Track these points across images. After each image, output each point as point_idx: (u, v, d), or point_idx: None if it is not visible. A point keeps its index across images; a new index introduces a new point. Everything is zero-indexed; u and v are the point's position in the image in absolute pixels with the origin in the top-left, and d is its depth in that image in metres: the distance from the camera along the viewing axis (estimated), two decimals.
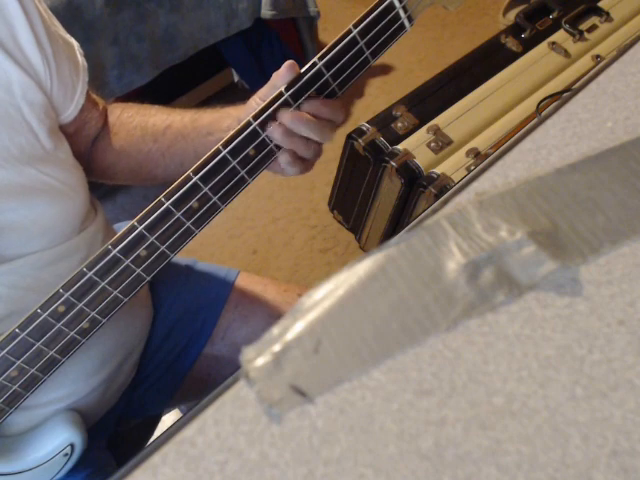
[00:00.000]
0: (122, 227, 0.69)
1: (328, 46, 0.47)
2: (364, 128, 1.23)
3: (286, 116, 0.48)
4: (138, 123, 0.63)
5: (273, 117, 0.48)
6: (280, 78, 0.49)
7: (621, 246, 0.40)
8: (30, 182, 0.50)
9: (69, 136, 0.58)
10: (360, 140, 1.22)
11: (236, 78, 1.75)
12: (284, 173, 0.54)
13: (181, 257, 0.53)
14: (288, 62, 0.49)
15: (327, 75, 0.47)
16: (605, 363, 0.36)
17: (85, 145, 0.64)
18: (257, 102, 0.54)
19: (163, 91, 1.54)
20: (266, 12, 1.41)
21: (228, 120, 0.56)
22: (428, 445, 0.33)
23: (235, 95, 1.74)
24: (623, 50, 0.52)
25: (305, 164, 0.53)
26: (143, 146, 0.62)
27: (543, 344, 0.36)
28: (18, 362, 0.50)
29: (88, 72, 0.59)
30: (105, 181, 0.68)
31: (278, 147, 0.50)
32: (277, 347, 0.36)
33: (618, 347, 0.36)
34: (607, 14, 1.36)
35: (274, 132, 0.49)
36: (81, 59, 0.58)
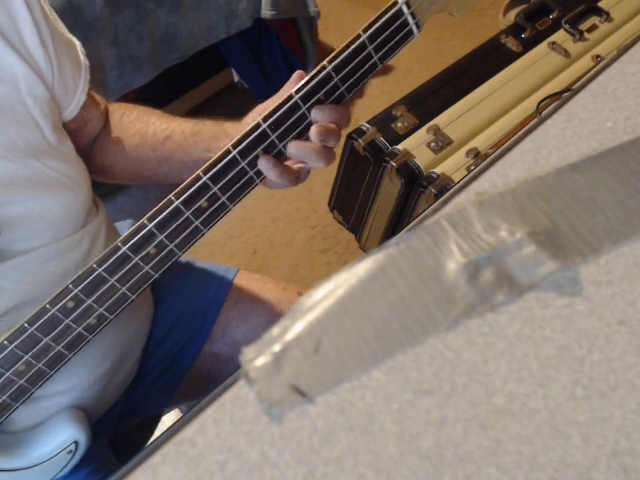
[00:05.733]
0: (122, 226, 0.69)
1: (337, 50, 0.47)
2: (364, 128, 1.23)
3: (314, 131, 0.49)
4: (137, 130, 0.63)
5: (284, 120, 0.49)
6: (290, 86, 0.50)
7: (621, 246, 0.40)
8: (36, 175, 0.51)
9: (70, 133, 0.59)
10: (360, 140, 1.22)
11: (236, 78, 1.75)
12: (278, 185, 0.54)
13: (181, 256, 0.53)
14: (298, 72, 0.50)
15: (336, 79, 0.48)
16: (605, 363, 0.36)
17: (85, 144, 0.65)
18: (253, 118, 0.54)
19: (163, 91, 1.54)
20: (266, 12, 1.41)
21: (226, 139, 0.56)
22: (428, 445, 0.33)
23: (235, 95, 1.74)
24: (623, 50, 0.52)
25: (296, 174, 0.53)
26: (141, 154, 0.62)
27: (543, 344, 0.36)
28: (26, 357, 0.50)
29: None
30: (105, 180, 0.68)
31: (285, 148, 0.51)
32: (277, 347, 0.36)
33: (618, 347, 0.36)
34: (607, 14, 1.36)
35: (293, 148, 0.50)
36: (83, 58, 0.58)
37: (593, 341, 0.36)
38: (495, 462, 0.33)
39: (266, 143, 0.49)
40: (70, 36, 0.57)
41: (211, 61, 1.63)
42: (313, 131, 0.49)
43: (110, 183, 0.69)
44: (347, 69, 0.48)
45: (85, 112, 0.60)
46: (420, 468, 0.33)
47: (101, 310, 0.51)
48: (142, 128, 0.63)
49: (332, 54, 0.48)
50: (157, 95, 1.51)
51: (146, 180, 0.66)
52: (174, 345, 0.74)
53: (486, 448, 0.33)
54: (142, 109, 0.66)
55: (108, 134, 0.65)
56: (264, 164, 0.49)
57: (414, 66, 1.88)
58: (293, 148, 0.50)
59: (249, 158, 0.49)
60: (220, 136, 0.58)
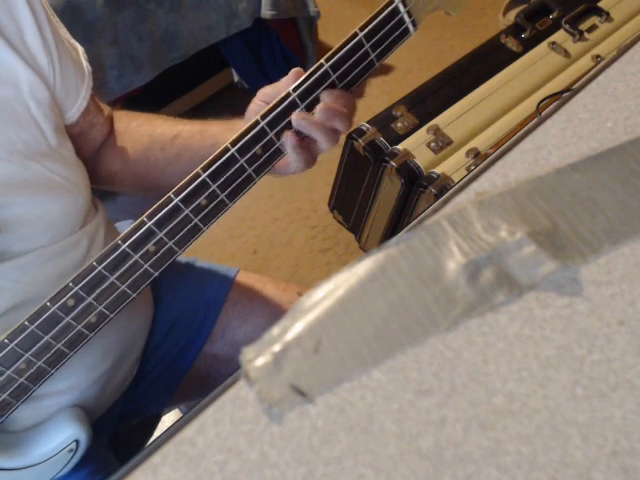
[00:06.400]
0: (123, 226, 0.69)
1: (334, 48, 0.48)
2: (364, 128, 1.23)
3: (320, 109, 0.49)
4: (145, 131, 0.64)
5: (282, 118, 0.49)
6: (285, 84, 0.50)
7: (621, 246, 0.40)
8: (35, 178, 0.51)
9: (74, 138, 0.59)
10: (360, 140, 1.22)
11: (236, 78, 1.75)
12: (288, 169, 0.54)
13: (181, 256, 0.53)
14: (295, 69, 0.50)
15: (333, 77, 0.48)
16: (605, 363, 0.36)
17: (91, 150, 0.65)
18: (258, 104, 0.54)
19: (163, 91, 1.54)
20: (266, 12, 1.41)
21: (233, 133, 0.57)
22: (428, 445, 0.33)
23: (235, 95, 1.74)
24: (623, 50, 0.52)
25: (311, 156, 0.53)
26: (150, 154, 0.63)
27: (543, 344, 0.36)
28: (27, 355, 0.50)
29: None
30: (110, 188, 0.69)
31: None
32: (277, 347, 0.36)
33: (618, 347, 0.36)
34: (607, 14, 1.36)
35: (301, 125, 0.49)
36: (86, 64, 0.58)
37: (593, 341, 0.36)
38: (495, 462, 0.33)
39: (264, 141, 0.49)
40: (73, 41, 0.57)
41: (211, 61, 1.63)
42: (319, 108, 0.49)
43: (114, 191, 0.69)
44: (344, 67, 0.48)
45: (88, 117, 0.60)
46: (420, 468, 0.33)
47: (101, 308, 0.51)
48: (150, 130, 0.63)
49: (329, 52, 0.48)
50: (157, 95, 1.51)
51: (153, 186, 0.66)
52: (174, 345, 0.74)
53: (486, 448, 0.33)
54: (148, 114, 0.66)
55: (114, 140, 0.65)
56: (289, 139, 0.50)
57: (414, 66, 1.88)
58: (299, 120, 0.49)
59: (247, 156, 0.49)
60: (227, 131, 0.58)
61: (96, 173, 0.65)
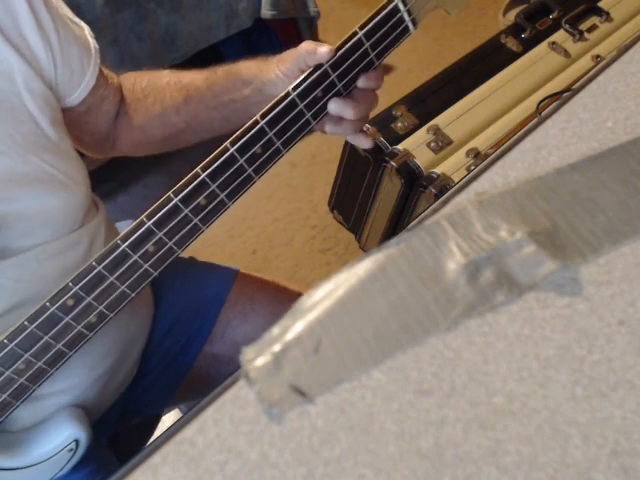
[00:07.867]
0: (123, 226, 0.69)
1: (335, 47, 0.48)
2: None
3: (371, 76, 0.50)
4: (155, 98, 0.63)
5: (281, 117, 0.49)
6: (310, 58, 0.49)
7: (621, 246, 0.40)
8: (34, 171, 0.51)
9: (83, 115, 0.58)
10: None
11: None
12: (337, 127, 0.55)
13: (181, 255, 0.53)
14: (328, 48, 0.48)
15: (333, 76, 0.49)
16: (605, 363, 0.36)
17: (106, 123, 0.64)
18: (277, 75, 0.54)
19: None
20: (266, 12, 1.41)
21: (240, 84, 0.57)
22: (428, 445, 0.33)
23: None
24: (623, 50, 0.52)
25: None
26: (166, 120, 0.62)
27: (543, 344, 0.36)
28: (26, 355, 0.50)
29: None
30: (139, 155, 0.68)
31: (284, 146, 0.51)
32: (277, 347, 0.36)
33: (618, 347, 0.36)
34: (607, 14, 1.35)
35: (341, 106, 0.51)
36: (93, 42, 0.58)
37: (593, 341, 0.36)
38: (495, 462, 0.33)
39: (264, 140, 0.49)
40: (78, 20, 0.57)
41: (211, 61, 1.63)
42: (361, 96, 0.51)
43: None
44: (344, 66, 0.48)
45: (98, 91, 0.60)
46: (420, 468, 0.33)
47: (101, 308, 0.51)
48: (159, 97, 0.63)
49: None
50: None
51: (182, 143, 0.65)
52: (174, 344, 0.74)
53: (486, 448, 0.33)
54: (152, 75, 0.65)
55: (127, 110, 0.64)
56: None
57: (414, 66, 1.88)
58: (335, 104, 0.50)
59: (247, 155, 0.49)
60: (237, 84, 0.58)
61: (117, 145, 0.65)
